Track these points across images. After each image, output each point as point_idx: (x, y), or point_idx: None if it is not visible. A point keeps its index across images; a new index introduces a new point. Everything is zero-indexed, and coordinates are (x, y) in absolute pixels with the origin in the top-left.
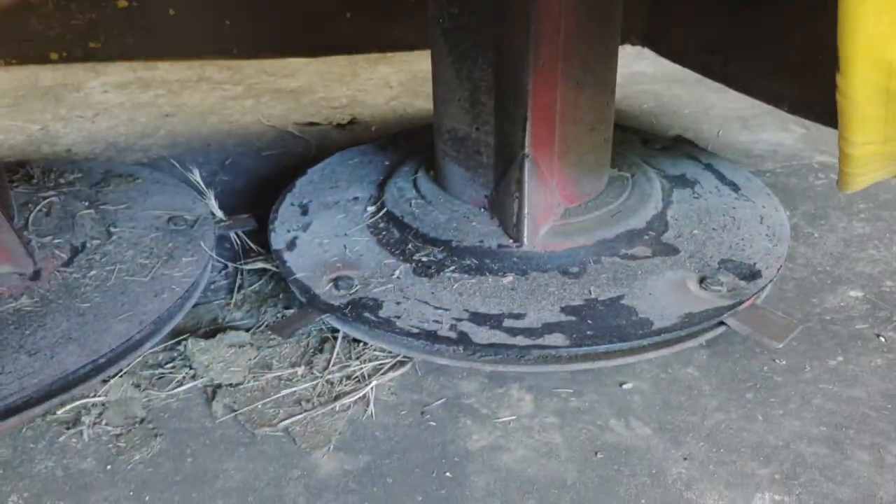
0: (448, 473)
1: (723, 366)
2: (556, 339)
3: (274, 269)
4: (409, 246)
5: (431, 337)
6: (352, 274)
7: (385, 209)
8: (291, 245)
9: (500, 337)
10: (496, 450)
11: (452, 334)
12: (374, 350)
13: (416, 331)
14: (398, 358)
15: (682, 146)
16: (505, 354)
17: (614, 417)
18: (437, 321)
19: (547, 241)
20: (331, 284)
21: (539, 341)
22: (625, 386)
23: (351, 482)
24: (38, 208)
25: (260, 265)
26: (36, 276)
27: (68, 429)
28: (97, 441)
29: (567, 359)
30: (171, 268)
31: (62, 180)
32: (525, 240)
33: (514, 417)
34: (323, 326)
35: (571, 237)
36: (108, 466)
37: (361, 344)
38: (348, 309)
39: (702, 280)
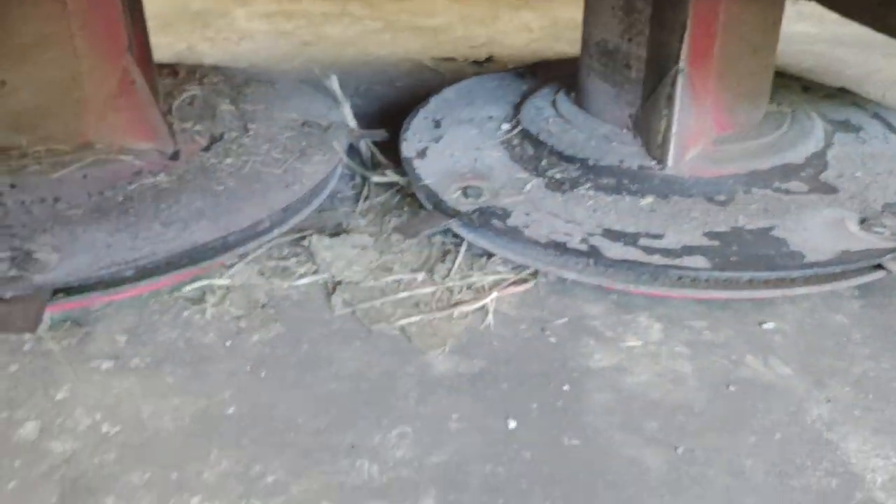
0: (566, 387)
1: (877, 317)
2: (697, 261)
3: (401, 182)
4: (543, 162)
5: (560, 248)
6: (481, 184)
7: (520, 127)
8: (422, 154)
9: (634, 254)
10: (619, 371)
11: (583, 247)
12: (497, 265)
13: (544, 241)
14: (521, 275)
15: (846, 95)
16: (638, 275)
17: (751, 354)
18: (567, 234)
19: (693, 166)
20: (459, 192)
21: (677, 262)
22: (765, 325)
23: (464, 383)
24: (181, 98)
25: (388, 178)
26: (175, 156)
27: (193, 305)
28: (219, 320)
29: (705, 284)
30: (302, 163)
31: (206, 80)
32: (669, 161)
33: (640, 343)
34: (445, 240)
35: (721, 164)
36: (228, 343)
37: (484, 258)
38: (475, 215)
39: (863, 221)
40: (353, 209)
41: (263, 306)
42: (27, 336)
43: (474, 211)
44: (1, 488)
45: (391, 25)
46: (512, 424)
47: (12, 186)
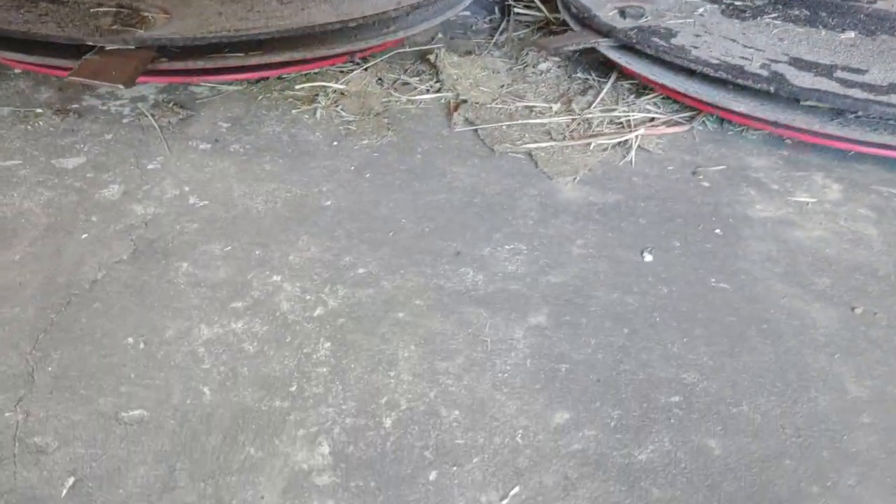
0: (718, 230)
1: None
2: None
3: (546, 15)
4: None
5: (734, 72)
6: (644, 6)
7: None
8: None
9: (828, 85)
10: (786, 224)
11: (764, 72)
12: (647, 104)
13: (715, 62)
14: (674, 116)
15: None
16: (826, 116)
17: None
18: (744, 58)
19: None
20: (616, 12)
21: (883, 98)
22: None
23: (595, 213)
24: None
25: (531, 11)
26: None
27: (303, 105)
28: (328, 121)
29: None
30: None
31: None
32: None
33: (814, 200)
34: (588, 76)
35: None
36: (335, 143)
37: (632, 95)
38: (634, 32)
39: None
40: (487, 41)
41: (377, 114)
42: (126, 110)
43: (633, 28)
44: (74, 238)
45: None
46: (648, 258)
47: None
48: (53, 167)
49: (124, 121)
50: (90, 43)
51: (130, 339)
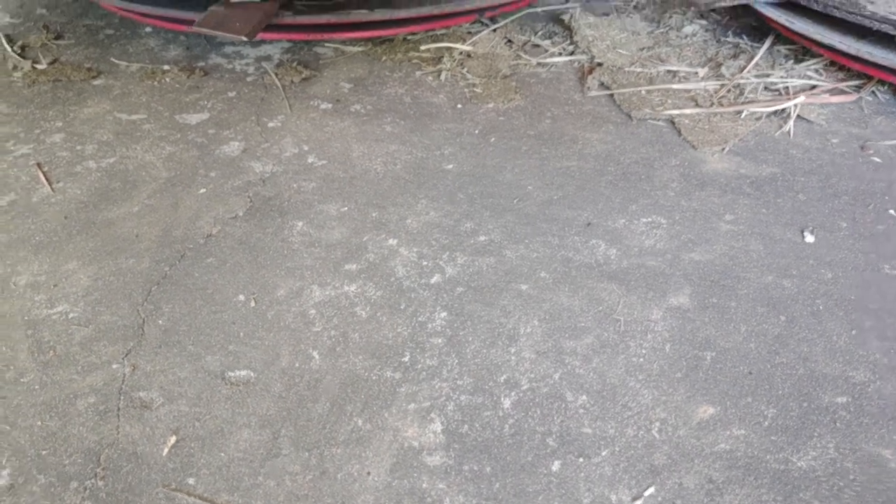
0: (892, 211)
1: None
2: None
3: None
4: None
5: None
6: None
7: None
8: None
9: None
10: None
11: None
12: (808, 70)
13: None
14: (840, 84)
15: None
16: None
17: None
18: None
19: None
20: None
21: None
22: None
23: (746, 186)
24: None
25: None
26: None
27: (427, 66)
28: (453, 84)
29: None
30: None
31: None
32: None
33: None
34: (740, 40)
35: None
36: (459, 106)
37: (790, 61)
38: None
39: None
40: (626, 3)
41: (505, 77)
42: (251, 69)
43: None
44: (192, 192)
45: None
46: (809, 238)
47: None
48: (177, 122)
49: (248, 79)
50: None
51: (241, 297)
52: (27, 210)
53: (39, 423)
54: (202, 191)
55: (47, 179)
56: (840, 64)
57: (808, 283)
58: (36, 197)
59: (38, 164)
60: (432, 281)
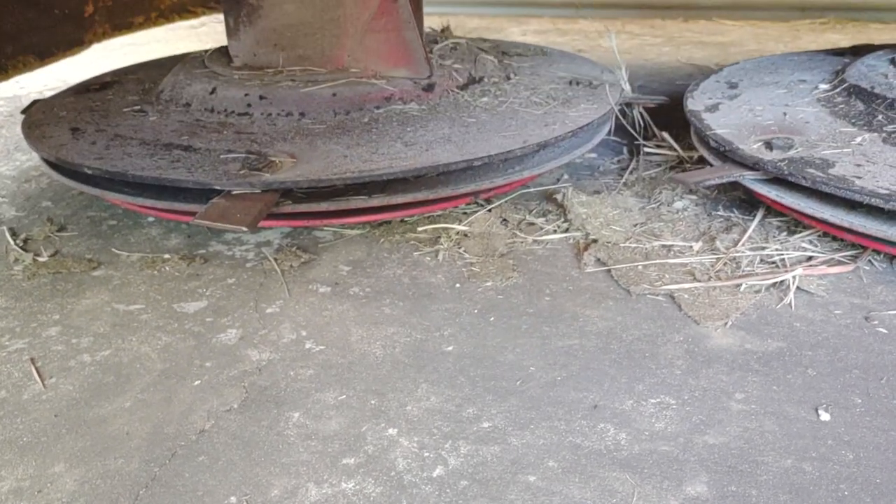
0: None
1: None
2: None
3: (678, 157)
4: (879, 118)
5: None
6: (793, 137)
7: (846, 84)
8: (713, 109)
9: None
10: None
11: None
12: (802, 241)
13: (884, 192)
14: (835, 255)
15: None
16: None
17: None
18: None
19: None
20: (761, 144)
21: None
22: None
23: (753, 362)
24: (444, 43)
25: (663, 148)
26: (429, 88)
27: (425, 247)
28: (451, 264)
29: None
30: (566, 108)
31: (471, 41)
32: None
33: None
34: (731, 213)
35: None
36: (457, 285)
37: (784, 232)
38: (784, 163)
39: None
40: (616, 181)
41: (502, 256)
42: (251, 255)
43: (782, 160)
44: (186, 384)
45: (672, 40)
46: (824, 416)
47: (261, 98)
48: (174, 311)
49: (248, 265)
50: (217, 187)
51: (233, 499)
52: (17, 409)
53: None
54: (196, 382)
55: (40, 375)
56: (833, 235)
57: (830, 466)
58: (27, 394)
59: (32, 360)
60: (434, 474)
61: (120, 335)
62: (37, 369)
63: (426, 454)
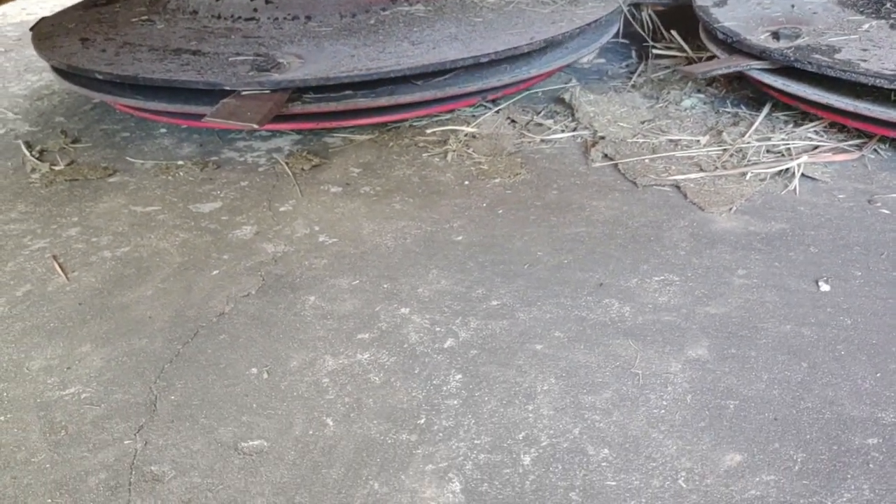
0: None
1: None
2: None
3: (687, 57)
4: (887, 5)
5: None
6: (800, 27)
7: None
8: (721, 3)
9: None
10: None
11: None
12: (808, 132)
13: (889, 73)
14: (840, 144)
15: None
16: None
17: None
18: None
19: None
20: (768, 34)
21: None
22: None
23: (756, 242)
24: None
25: (671, 50)
26: None
27: (433, 148)
28: (459, 163)
29: None
30: (574, 6)
31: None
32: None
33: None
34: (737, 109)
35: None
36: (466, 183)
37: (790, 124)
38: (791, 51)
39: None
40: (624, 84)
41: (510, 154)
42: (262, 160)
43: (789, 48)
44: (205, 274)
45: None
46: (825, 287)
47: (268, 2)
48: (190, 211)
49: (259, 169)
50: (227, 87)
51: (254, 370)
52: (42, 299)
53: (50, 500)
54: (215, 273)
55: (62, 270)
56: (840, 125)
57: (828, 330)
58: (51, 286)
59: (54, 257)
60: (446, 345)
61: (138, 233)
62: (59, 264)
63: (437, 329)
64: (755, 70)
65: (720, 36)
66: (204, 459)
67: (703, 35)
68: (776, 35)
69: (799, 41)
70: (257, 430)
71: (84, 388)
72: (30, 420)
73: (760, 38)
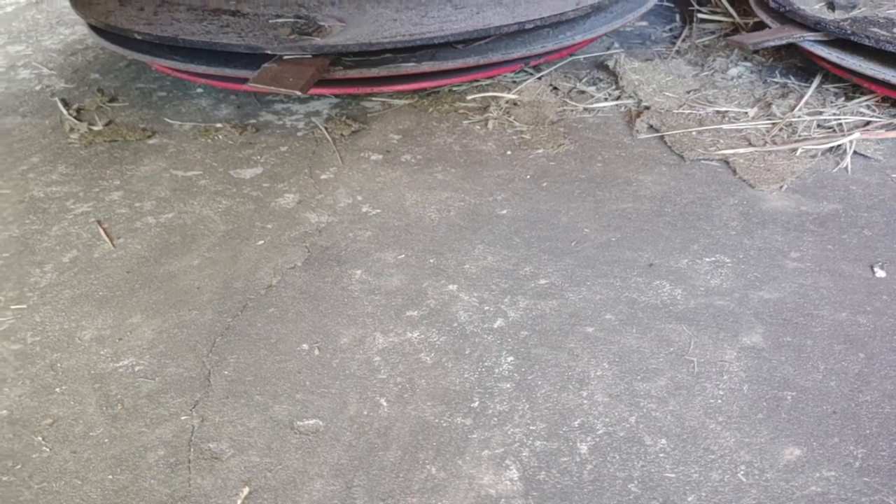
0: None
1: None
2: None
3: (733, 23)
4: None
5: None
6: None
7: None
8: None
9: None
10: None
11: None
12: (860, 106)
13: None
14: (893, 121)
15: None
16: None
17: None
18: None
19: None
20: (822, 4)
21: None
22: None
23: (808, 223)
24: None
25: (718, 15)
26: None
27: (474, 115)
28: (501, 132)
29: None
30: None
31: None
32: None
33: None
34: (788, 80)
35: None
36: (508, 152)
37: (841, 98)
38: (847, 23)
39: None
40: (668, 49)
41: (552, 123)
42: (301, 124)
43: (845, 20)
44: (250, 244)
45: None
46: (880, 273)
47: None
48: (231, 177)
49: (299, 134)
50: (269, 52)
51: (305, 346)
52: (89, 266)
53: (110, 476)
54: (260, 242)
55: (108, 236)
56: (893, 100)
57: (885, 319)
58: (97, 253)
59: (99, 222)
60: (495, 325)
61: (181, 199)
62: (104, 230)
63: (486, 308)
64: (808, 42)
65: (772, 5)
66: (261, 438)
67: (752, 2)
68: (831, 5)
69: (855, 12)
70: (312, 409)
71: (137, 361)
72: (85, 392)
73: (815, 8)
